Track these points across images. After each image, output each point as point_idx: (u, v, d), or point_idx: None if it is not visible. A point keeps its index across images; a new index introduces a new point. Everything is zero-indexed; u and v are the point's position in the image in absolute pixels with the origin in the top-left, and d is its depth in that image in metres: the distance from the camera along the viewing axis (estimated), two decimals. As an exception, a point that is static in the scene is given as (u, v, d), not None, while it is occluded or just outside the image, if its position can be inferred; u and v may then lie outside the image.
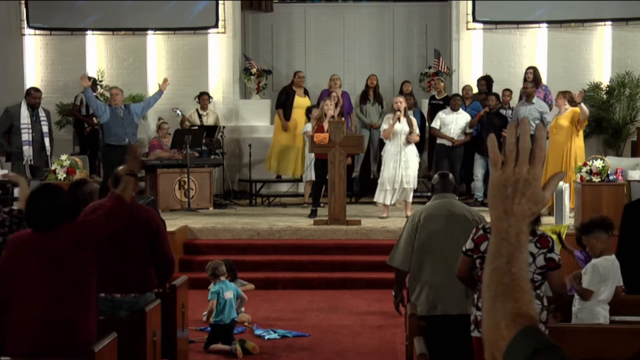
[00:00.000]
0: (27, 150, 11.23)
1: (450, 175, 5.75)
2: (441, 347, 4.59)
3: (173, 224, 10.12)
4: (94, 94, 12.58)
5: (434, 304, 5.25)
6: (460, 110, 12.29)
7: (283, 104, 13.11)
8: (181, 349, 5.97)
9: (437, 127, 12.19)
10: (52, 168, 10.05)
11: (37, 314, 4.32)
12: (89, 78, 11.82)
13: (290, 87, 13.24)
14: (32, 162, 11.24)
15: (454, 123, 12.14)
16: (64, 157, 10.27)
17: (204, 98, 13.40)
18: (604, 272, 5.42)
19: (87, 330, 4.37)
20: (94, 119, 12.96)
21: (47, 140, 11.45)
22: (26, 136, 11.24)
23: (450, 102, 12.40)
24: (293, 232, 10.25)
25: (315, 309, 8.32)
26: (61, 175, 9.92)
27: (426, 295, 5.32)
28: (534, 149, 1.58)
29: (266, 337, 7.29)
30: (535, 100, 11.72)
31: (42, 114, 11.52)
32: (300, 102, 13.07)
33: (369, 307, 8.33)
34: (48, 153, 11.39)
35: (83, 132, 13.41)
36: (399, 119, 10.68)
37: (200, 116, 13.30)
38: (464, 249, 4.66)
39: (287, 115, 13.10)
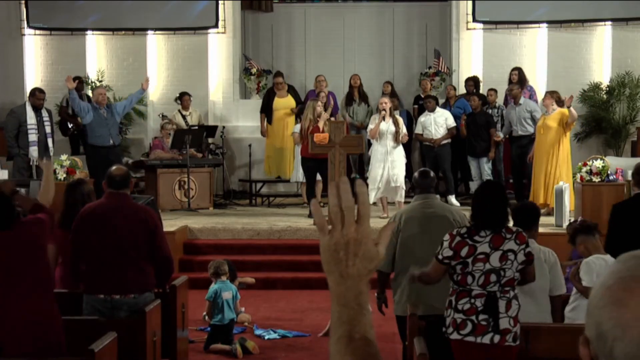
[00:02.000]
0: (34, 151, 11.21)
1: (431, 174, 5.77)
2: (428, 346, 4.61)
3: (173, 224, 10.13)
4: (81, 92, 12.57)
5: (416, 304, 5.28)
6: (438, 109, 12.28)
7: (265, 108, 13.12)
8: (181, 349, 5.97)
9: (420, 132, 12.24)
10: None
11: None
12: (74, 79, 11.74)
13: (272, 89, 13.27)
14: (37, 163, 11.21)
15: (433, 124, 12.16)
16: (63, 157, 10.25)
17: (185, 98, 13.33)
18: (597, 270, 5.45)
19: (55, 328, 4.38)
20: (79, 119, 12.97)
21: (50, 141, 11.45)
22: (33, 137, 11.23)
23: (425, 104, 12.41)
24: (293, 232, 10.25)
25: (315, 309, 8.32)
26: (61, 175, 9.91)
27: (408, 296, 5.36)
28: (358, 206, 1.53)
29: (266, 337, 7.29)
30: (522, 100, 11.79)
31: (45, 114, 11.51)
32: (281, 104, 13.05)
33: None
34: (51, 153, 11.38)
35: (67, 133, 13.37)
36: (384, 118, 10.78)
37: (183, 117, 13.27)
38: (438, 255, 4.60)
39: (270, 119, 13.10)
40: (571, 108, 10.75)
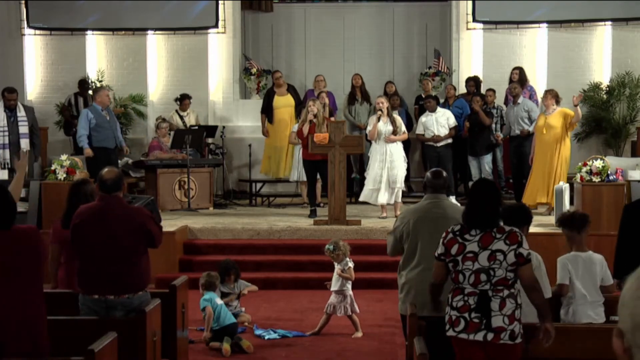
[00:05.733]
0: (2, 154, 11.04)
1: (444, 174, 5.75)
2: (429, 347, 4.60)
3: (173, 224, 10.13)
4: (85, 95, 12.53)
5: (422, 305, 5.27)
6: (438, 108, 12.24)
7: (266, 108, 13.12)
8: (181, 349, 5.97)
9: (422, 132, 12.22)
10: (52, 168, 10.01)
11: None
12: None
13: (272, 88, 13.27)
14: (9, 165, 10.99)
15: (435, 124, 12.13)
16: (64, 157, 10.23)
17: (185, 102, 13.33)
18: (572, 268, 5.44)
19: (43, 331, 4.39)
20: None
21: (23, 142, 11.15)
22: (0, 139, 11.06)
23: (425, 104, 12.39)
24: (293, 232, 10.25)
25: (315, 309, 8.31)
26: (61, 175, 9.90)
27: (414, 296, 5.36)
28: None
29: (266, 337, 7.29)
30: (520, 100, 11.80)
31: (21, 113, 11.25)
32: (282, 102, 13.04)
33: (369, 307, 8.32)
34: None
35: (70, 133, 13.37)
36: (379, 118, 10.79)
37: (181, 117, 13.27)
38: (435, 253, 4.64)
39: (271, 118, 13.09)
40: (578, 107, 10.73)
